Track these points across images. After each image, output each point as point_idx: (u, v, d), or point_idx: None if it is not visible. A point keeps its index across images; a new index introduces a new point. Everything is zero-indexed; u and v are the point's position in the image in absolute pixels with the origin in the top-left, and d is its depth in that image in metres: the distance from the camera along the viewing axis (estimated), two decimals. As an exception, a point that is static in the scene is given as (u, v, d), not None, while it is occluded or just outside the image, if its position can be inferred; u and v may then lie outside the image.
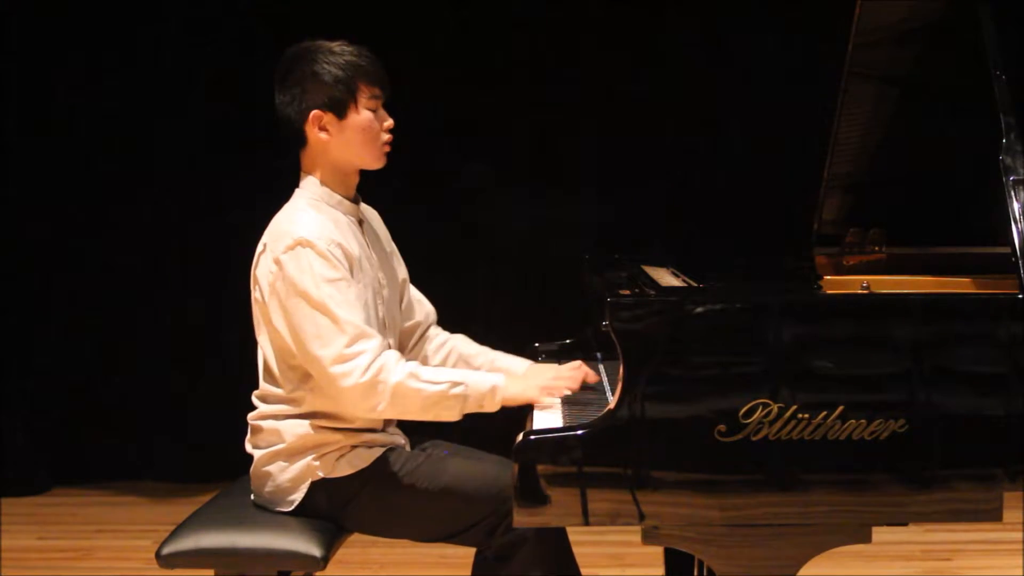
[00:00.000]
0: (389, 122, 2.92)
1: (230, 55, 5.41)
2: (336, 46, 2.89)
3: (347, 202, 2.93)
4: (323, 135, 2.87)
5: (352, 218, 2.92)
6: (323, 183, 2.90)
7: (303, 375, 2.84)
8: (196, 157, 5.45)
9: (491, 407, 2.79)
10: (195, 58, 5.43)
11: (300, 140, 2.90)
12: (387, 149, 2.93)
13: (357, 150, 2.89)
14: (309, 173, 2.92)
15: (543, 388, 2.84)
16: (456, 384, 2.77)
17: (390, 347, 2.89)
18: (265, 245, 2.85)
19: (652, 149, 5.42)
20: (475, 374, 2.84)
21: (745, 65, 5.34)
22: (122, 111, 5.43)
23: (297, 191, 2.94)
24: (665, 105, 5.40)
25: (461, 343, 3.20)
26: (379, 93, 2.90)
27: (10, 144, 5.45)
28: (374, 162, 2.93)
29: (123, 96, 5.43)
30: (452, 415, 2.78)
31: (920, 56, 3.20)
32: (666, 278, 3.05)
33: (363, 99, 2.87)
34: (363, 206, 3.03)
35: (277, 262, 2.79)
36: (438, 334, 3.20)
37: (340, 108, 2.86)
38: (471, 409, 2.78)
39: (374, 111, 2.89)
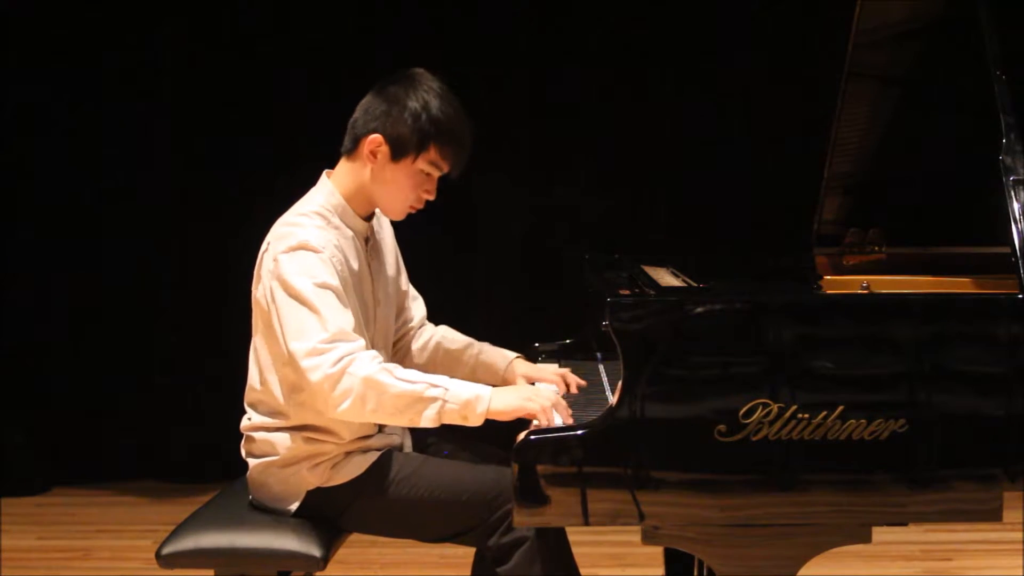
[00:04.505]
0: (431, 196, 2.85)
1: (231, 57, 5.42)
2: (445, 98, 2.80)
3: (360, 220, 2.88)
4: (370, 159, 2.81)
5: (359, 235, 2.88)
6: (344, 196, 2.85)
7: (293, 384, 2.79)
8: (198, 155, 5.45)
9: (474, 420, 2.62)
10: (198, 57, 5.44)
11: (351, 147, 2.85)
12: (412, 211, 2.88)
13: (385, 193, 2.83)
14: (336, 179, 2.87)
15: (527, 398, 2.63)
16: (434, 386, 2.62)
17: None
18: (268, 244, 2.82)
19: (652, 149, 5.41)
20: (458, 381, 2.66)
21: (745, 64, 5.34)
22: (122, 109, 5.44)
23: (313, 191, 2.89)
24: (665, 104, 5.40)
25: (444, 338, 3.14)
26: (443, 167, 2.82)
27: (10, 142, 5.44)
28: (393, 213, 2.89)
29: (123, 94, 5.44)
30: (429, 421, 2.62)
31: (920, 56, 3.20)
32: (666, 278, 3.05)
33: (424, 159, 2.79)
34: (377, 221, 2.97)
35: (276, 260, 2.75)
36: (423, 332, 3.15)
37: (400, 150, 2.79)
38: (451, 419, 2.62)
39: (426, 175, 2.82)
